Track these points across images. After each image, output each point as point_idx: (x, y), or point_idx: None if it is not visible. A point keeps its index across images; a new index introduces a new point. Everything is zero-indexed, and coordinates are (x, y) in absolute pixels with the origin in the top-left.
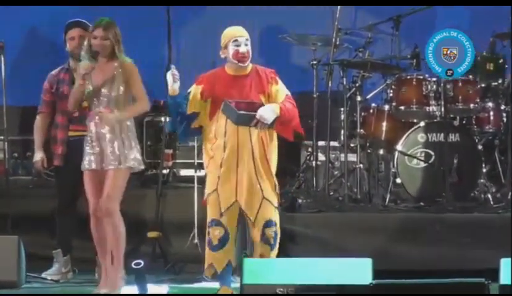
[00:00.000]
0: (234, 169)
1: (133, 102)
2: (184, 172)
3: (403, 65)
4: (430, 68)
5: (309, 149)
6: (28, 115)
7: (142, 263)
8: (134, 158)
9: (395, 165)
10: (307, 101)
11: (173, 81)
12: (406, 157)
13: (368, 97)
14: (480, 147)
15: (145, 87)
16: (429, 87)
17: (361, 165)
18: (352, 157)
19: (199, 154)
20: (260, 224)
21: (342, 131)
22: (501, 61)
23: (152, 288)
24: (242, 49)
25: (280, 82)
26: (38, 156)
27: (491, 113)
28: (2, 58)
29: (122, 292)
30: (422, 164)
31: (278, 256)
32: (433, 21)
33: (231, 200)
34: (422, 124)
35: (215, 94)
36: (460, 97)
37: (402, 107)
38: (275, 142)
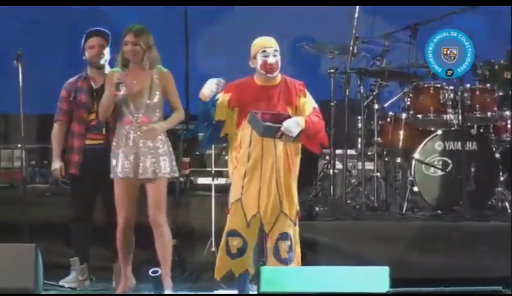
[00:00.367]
0: (257, 180)
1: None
2: (201, 180)
3: (420, 73)
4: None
5: (327, 157)
6: (45, 123)
7: (160, 271)
8: (169, 166)
9: (412, 173)
10: (325, 109)
11: (215, 89)
12: (423, 165)
13: (385, 105)
14: (497, 155)
15: None
16: (446, 95)
17: (379, 173)
18: (369, 165)
19: (216, 162)
20: (274, 237)
21: (359, 139)
22: None
23: None
24: (271, 59)
25: (308, 94)
26: (57, 164)
27: (509, 121)
28: (20, 67)
29: None
30: (440, 173)
31: None
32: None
33: (254, 211)
34: (439, 132)
35: (242, 103)
36: (477, 106)
37: (419, 115)
38: (299, 155)
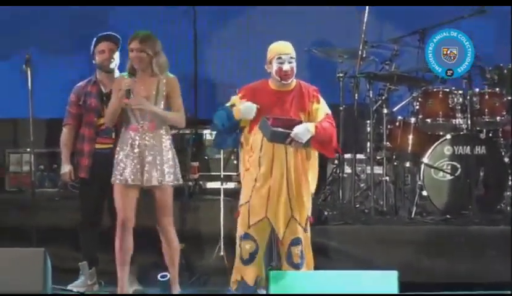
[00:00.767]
0: (267, 184)
1: None
2: (210, 184)
3: (429, 78)
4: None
5: (336, 161)
6: (54, 127)
7: (168, 275)
8: (173, 173)
9: (421, 178)
10: (333, 113)
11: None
12: (432, 170)
13: (394, 109)
14: (506, 159)
15: None
16: (455, 99)
17: (387, 178)
18: (378, 170)
19: (225, 167)
20: (286, 242)
21: (368, 144)
22: None
23: None
24: (285, 67)
25: (322, 100)
26: (66, 168)
27: None
28: (29, 71)
29: None
30: (449, 177)
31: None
32: None
33: (261, 216)
34: (448, 136)
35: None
36: (486, 110)
37: (428, 120)
38: (314, 161)
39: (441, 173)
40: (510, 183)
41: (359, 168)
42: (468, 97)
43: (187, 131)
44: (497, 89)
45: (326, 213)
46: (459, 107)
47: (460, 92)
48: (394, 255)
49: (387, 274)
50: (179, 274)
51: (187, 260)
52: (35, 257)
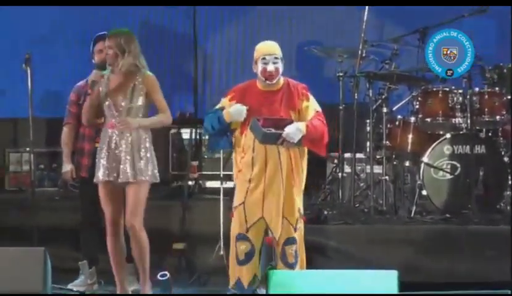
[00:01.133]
0: (261, 185)
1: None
2: (209, 184)
3: (429, 77)
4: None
5: (335, 161)
6: (54, 127)
7: (168, 274)
8: (150, 171)
9: (421, 177)
10: (333, 113)
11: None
12: (432, 169)
13: (394, 109)
14: (506, 159)
15: (171, 99)
16: (455, 99)
17: (387, 177)
18: (378, 169)
19: (225, 166)
20: (281, 242)
21: (368, 143)
22: None
23: None
24: (270, 67)
25: (311, 98)
26: (68, 167)
27: None
28: (29, 70)
29: None
30: (448, 176)
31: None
32: None
33: (257, 216)
34: (448, 136)
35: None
36: (486, 109)
37: (428, 119)
38: (305, 160)
39: (441, 172)
40: (510, 182)
41: (359, 167)
42: (468, 97)
43: (187, 130)
44: (497, 89)
45: (325, 213)
46: (459, 106)
47: (460, 91)
48: (394, 255)
49: (386, 274)
50: (179, 274)
51: (187, 260)
52: (35, 256)
